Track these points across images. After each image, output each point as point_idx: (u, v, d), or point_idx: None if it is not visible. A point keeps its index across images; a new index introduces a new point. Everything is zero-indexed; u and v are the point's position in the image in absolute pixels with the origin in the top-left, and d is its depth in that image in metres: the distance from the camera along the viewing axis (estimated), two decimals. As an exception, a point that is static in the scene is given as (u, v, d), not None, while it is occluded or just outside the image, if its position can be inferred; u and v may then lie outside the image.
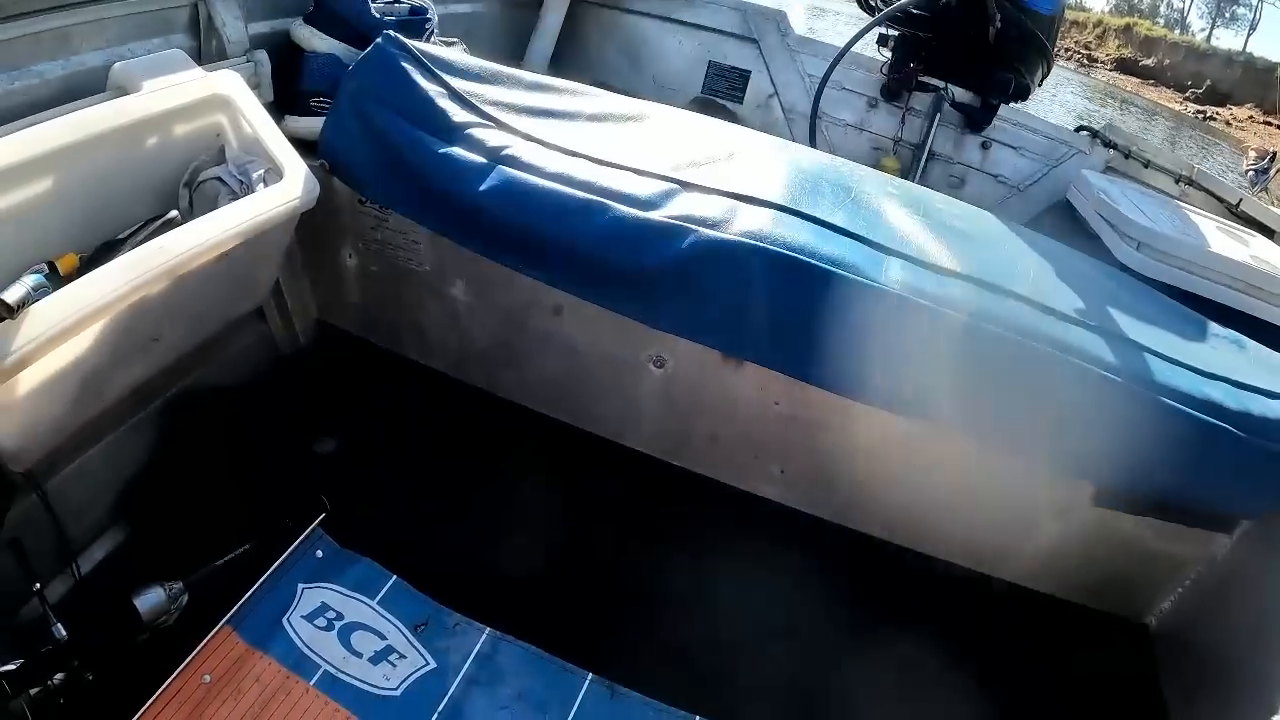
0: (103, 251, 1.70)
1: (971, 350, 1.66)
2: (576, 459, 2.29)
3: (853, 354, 1.68)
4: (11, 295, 1.41)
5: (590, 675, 1.88)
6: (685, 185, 1.81)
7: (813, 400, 1.89)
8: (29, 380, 1.53)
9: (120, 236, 1.75)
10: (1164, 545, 2.00)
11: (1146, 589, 2.11)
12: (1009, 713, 1.94)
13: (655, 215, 1.74)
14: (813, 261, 1.66)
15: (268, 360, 2.48)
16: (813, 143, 3.28)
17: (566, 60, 3.67)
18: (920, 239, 1.81)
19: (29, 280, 1.47)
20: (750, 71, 3.58)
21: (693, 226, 1.72)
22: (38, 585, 1.69)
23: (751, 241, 1.68)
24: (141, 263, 1.59)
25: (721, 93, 3.65)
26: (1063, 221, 3.04)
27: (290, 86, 2.29)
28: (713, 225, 1.72)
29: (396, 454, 2.39)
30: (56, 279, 1.55)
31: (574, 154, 1.87)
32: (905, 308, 1.64)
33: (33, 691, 1.57)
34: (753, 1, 3.60)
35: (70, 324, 1.49)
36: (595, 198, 1.76)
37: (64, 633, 1.65)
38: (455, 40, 2.49)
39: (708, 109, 3.44)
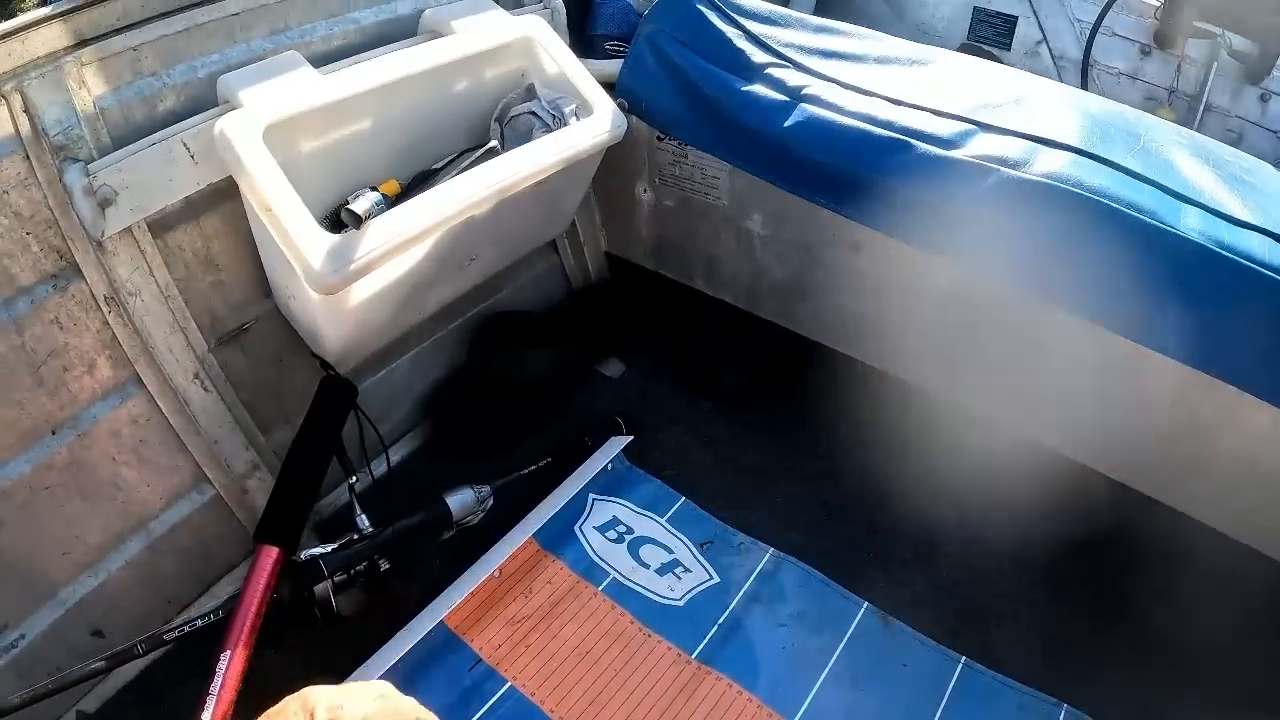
0: (420, 179, 1.90)
1: (1271, 307, 1.61)
2: (865, 394, 2.37)
3: (1151, 301, 1.68)
4: (359, 206, 1.63)
5: (866, 603, 1.98)
6: (983, 126, 1.83)
7: (1113, 347, 1.87)
8: (362, 290, 1.75)
9: (435, 166, 1.94)
10: None
11: None
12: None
13: (957, 154, 1.78)
14: (1114, 205, 1.66)
15: (559, 288, 2.73)
16: (1085, 90, 3.18)
17: (828, 6, 3.67)
18: (1214, 189, 1.77)
19: (370, 197, 1.68)
20: (1017, 17, 3.49)
21: (994, 166, 1.75)
22: (353, 479, 1.90)
23: (1053, 182, 1.70)
24: (473, 184, 1.78)
25: (988, 39, 3.58)
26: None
27: (583, 32, 2.47)
28: (1014, 165, 1.74)
29: (685, 382, 2.58)
30: (389, 202, 1.74)
31: (870, 94, 1.93)
32: (1204, 258, 1.62)
33: (337, 577, 1.78)
34: None
35: (409, 237, 1.69)
36: (897, 135, 1.82)
37: (368, 523, 1.87)
38: (735, -19, 2.60)
39: (972, 54, 3.40)
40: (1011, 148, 1.78)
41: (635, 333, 2.74)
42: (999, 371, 2.15)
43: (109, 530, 1.86)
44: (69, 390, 1.76)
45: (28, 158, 1.63)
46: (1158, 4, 3.15)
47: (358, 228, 1.61)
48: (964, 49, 3.55)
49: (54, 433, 1.75)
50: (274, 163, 1.61)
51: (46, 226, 1.67)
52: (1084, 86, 3.22)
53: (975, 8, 3.57)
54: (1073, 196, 1.68)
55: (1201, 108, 3.18)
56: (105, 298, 1.76)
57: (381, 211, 1.67)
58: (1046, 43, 3.45)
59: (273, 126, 1.67)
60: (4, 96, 1.58)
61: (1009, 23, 3.52)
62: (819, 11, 3.54)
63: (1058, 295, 1.79)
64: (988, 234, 1.78)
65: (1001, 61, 3.43)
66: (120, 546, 1.88)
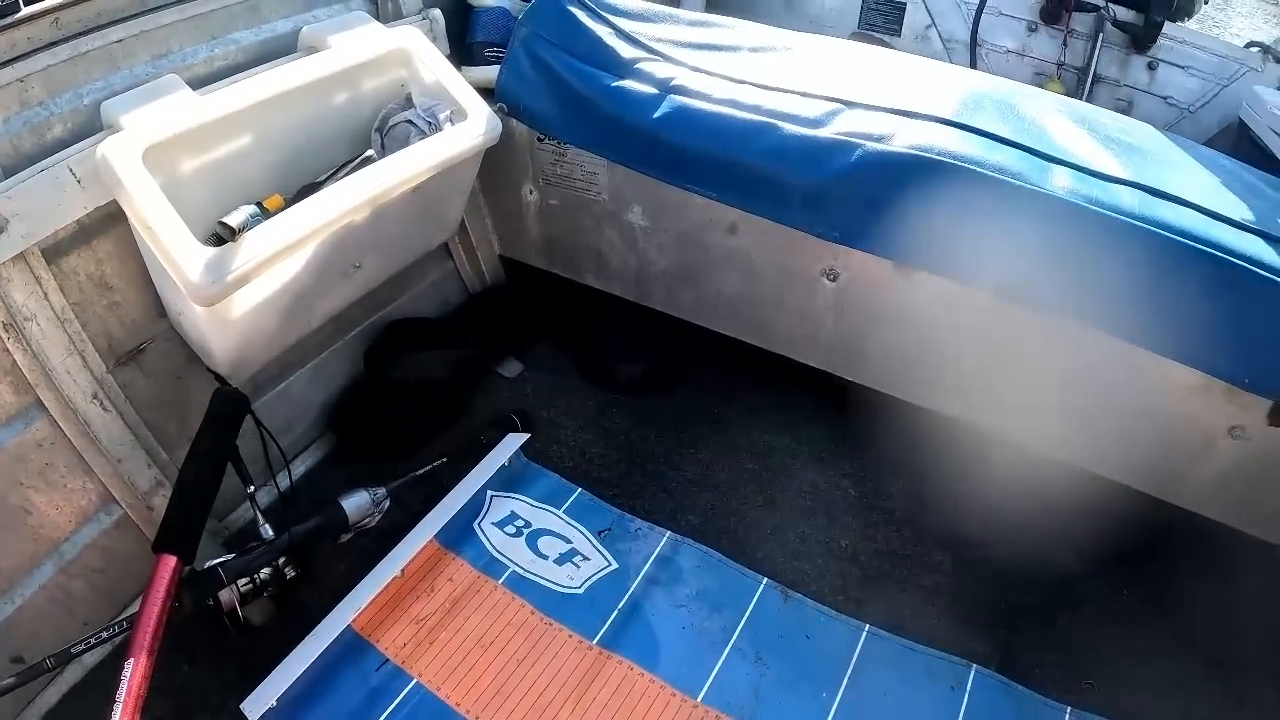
0: (304, 192, 1.98)
1: (1142, 256, 1.68)
2: (752, 374, 2.50)
3: (1020, 261, 1.76)
4: (233, 220, 1.74)
5: (765, 579, 2.07)
6: (849, 104, 1.93)
7: (982, 307, 1.96)
8: (245, 300, 1.83)
9: (319, 179, 2.02)
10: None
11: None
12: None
13: (823, 133, 1.88)
14: (979, 170, 1.74)
15: (455, 293, 2.84)
16: (974, 70, 3.26)
17: (722, 3, 3.76)
18: (1086, 149, 1.85)
19: (246, 210, 1.78)
20: (905, 3, 3.60)
21: (859, 141, 1.84)
22: (251, 489, 1.97)
23: (917, 153, 1.79)
24: (347, 192, 1.88)
25: (878, 26, 3.69)
26: (1237, 143, 2.98)
27: (463, 40, 2.56)
28: (879, 139, 1.84)
29: (580, 374, 2.71)
30: (265, 214, 1.84)
31: (739, 81, 2.03)
32: (1072, 214, 1.69)
33: (241, 584, 1.84)
34: None
35: (284, 246, 1.78)
36: (764, 119, 1.92)
37: (271, 532, 1.92)
38: (614, -15, 2.70)
39: (864, 41, 3.53)
40: (877, 123, 1.88)
41: (532, 332, 2.86)
42: (878, 341, 2.26)
43: (20, 555, 1.91)
44: None
45: None
46: None
47: (234, 240, 1.69)
48: (855, 38, 3.67)
49: None
50: (153, 183, 1.70)
51: None
52: (973, 66, 3.34)
53: None
54: (937, 165, 1.77)
55: (1089, 79, 3.31)
56: (3, 324, 1.81)
57: (257, 223, 1.76)
58: (935, 26, 3.57)
59: (153, 148, 1.75)
60: None
61: (898, 8, 3.63)
62: (710, 7, 3.67)
63: (928, 261, 1.88)
64: (856, 208, 1.88)
65: (893, 47, 3.54)
66: (33, 571, 1.93)
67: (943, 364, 2.16)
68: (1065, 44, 3.36)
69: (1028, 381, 2.06)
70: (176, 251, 1.68)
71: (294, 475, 2.25)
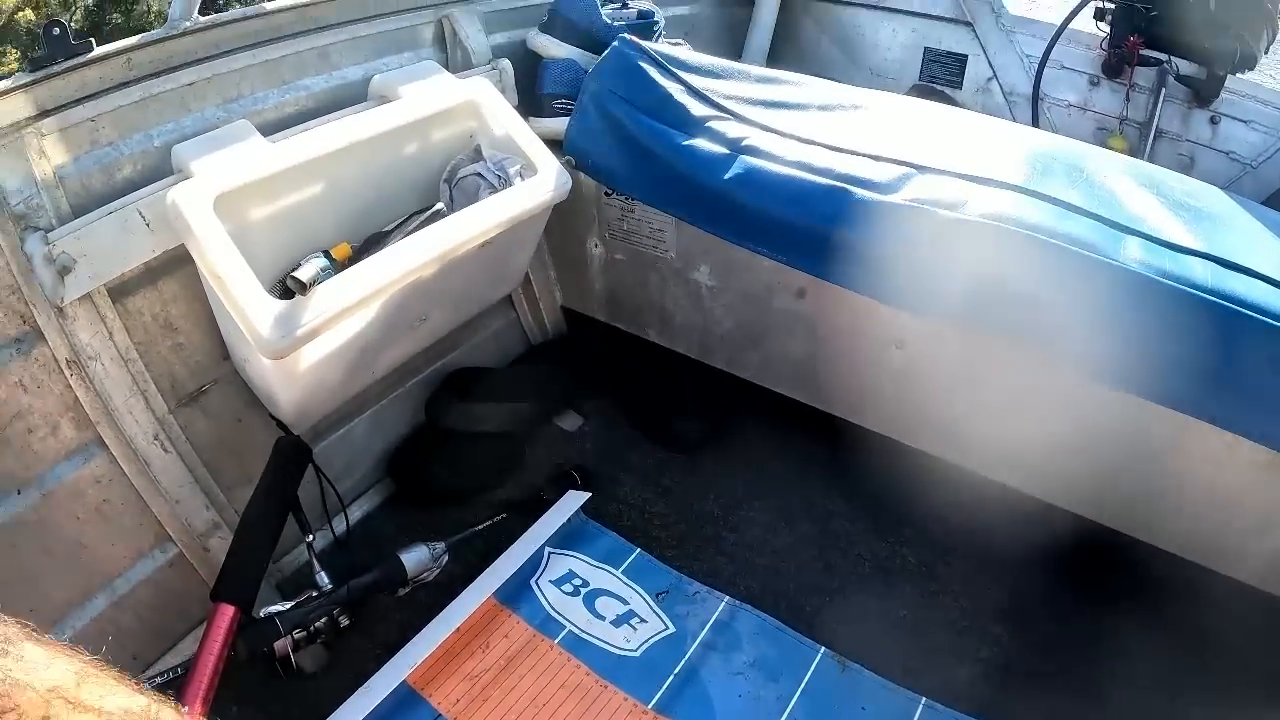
0: (371, 242, 1.97)
1: (1214, 331, 1.61)
2: (815, 439, 2.44)
3: (1090, 334, 1.69)
4: (304, 274, 1.70)
5: (823, 649, 2.02)
6: (920, 169, 1.88)
7: (1051, 379, 1.92)
8: (312, 353, 1.81)
9: (387, 229, 2.00)
10: None
11: None
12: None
13: (893, 198, 1.83)
14: (1051, 240, 1.68)
15: (517, 343, 2.83)
16: (1035, 125, 3.25)
17: (782, 55, 3.74)
18: (1156, 217, 1.80)
19: (316, 263, 1.76)
20: (967, 55, 3.55)
21: (930, 208, 1.79)
22: (310, 538, 1.96)
23: (989, 221, 1.74)
24: (418, 247, 1.86)
25: (940, 79, 3.63)
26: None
27: (531, 91, 2.55)
28: (950, 207, 1.78)
29: (641, 433, 2.65)
30: (334, 264, 1.82)
31: (809, 142, 1.99)
32: (1144, 287, 1.63)
33: (296, 634, 1.83)
34: None
35: (355, 301, 1.76)
36: (835, 183, 1.87)
37: (327, 580, 1.92)
38: (680, 41, 2.69)
39: (927, 96, 3.39)
40: (948, 189, 1.82)
41: (592, 386, 2.81)
42: (943, 410, 2.20)
43: (74, 587, 1.90)
44: (33, 451, 1.82)
45: None
46: (1104, 35, 3.20)
47: (304, 294, 1.67)
48: (917, 89, 3.62)
49: (19, 492, 1.79)
50: (223, 231, 1.68)
51: (10, 292, 1.74)
52: (1035, 121, 3.28)
53: (926, 48, 3.64)
54: (1010, 234, 1.72)
55: (1152, 134, 3.23)
56: (67, 361, 1.82)
57: (328, 277, 1.74)
58: (997, 79, 3.50)
59: (223, 195, 1.74)
60: None
61: (959, 61, 3.58)
62: (771, 60, 3.66)
63: (999, 332, 1.83)
64: (927, 276, 1.82)
65: (954, 100, 3.51)
66: (85, 604, 1.91)
67: (1011, 435, 2.07)
68: (1128, 98, 3.27)
69: (1093, 454, 2.00)
70: (246, 303, 1.66)
71: (350, 520, 2.23)
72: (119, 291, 1.90)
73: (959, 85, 3.61)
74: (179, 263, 1.94)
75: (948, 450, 2.24)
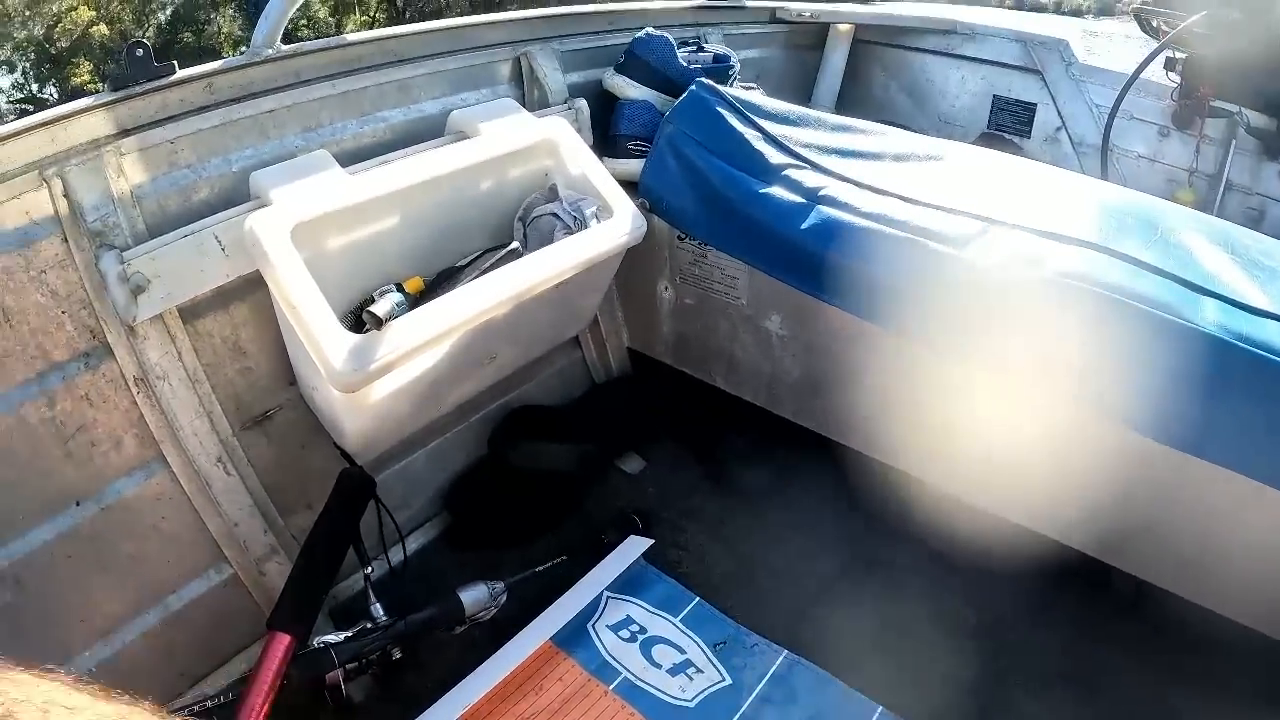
0: (444, 277, 1.95)
1: None
2: (881, 493, 2.37)
3: (1171, 397, 1.64)
4: (380, 308, 1.68)
5: (880, 707, 1.95)
6: (995, 223, 1.84)
7: (1130, 449, 1.83)
8: (381, 386, 1.78)
9: (460, 264, 1.98)
10: None
11: None
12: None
13: (969, 253, 1.80)
14: (1129, 301, 1.63)
15: (581, 382, 2.79)
16: (1104, 176, 3.15)
17: (851, 100, 3.72)
18: (1232, 277, 1.74)
19: (392, 298, 1.74)
20: (1036, 104, 3.48)
21: (1007, 264, 1.75)
22: (368, 569, 1.93)
23: (1066, 279, 1.69)
24: (493, 286, 1.83)
25: (1008, 128, 3.57)
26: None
27: (606, 131, 2.53)
28: (1026, 263, 1.74)
29: (704, 478, 2.60)
30: (407, 299, 1.80)
31: (886, 193, 1.95)
32: (1222, 351, 1.58)
33: (348, 666, 1.79)
34: (1034, 32, 3.49)
35: (429, 338, 1.73)
36: (911, 236, 1.84)
37: (382, 612, 1.88)
38: (753, 85, 2.67)
39: (994, 145, 3.36)
40: (1024, 245, 1.78)
41: (655, 429, 2.76)
42: (1015, 472, 2.09)
43: (126, 602, 1.89)
44: (95, 465, 1.81)
45: (65, 240, 1.72)
46: (1175, 85, 3.13)
47: (378, 329, 1.65)
48: (985, 138, 3.56)
49: (78, 504, 1.79)
50: (300, 261, 1.67)
51: (81, 306, 1.75)
52: (1104, 172, 3.19)
53: (994, 96, 3.57)
54: (1086, 293, 1.67)
55: (1222, 186, 3.13)
56: (135, 378, 1.82)
57: (402, 312, 1.72)
58: (1066, 129, 3.43)
59: (301, 225, 1.73)
60: (46, 180, 1.68)
61: (1028, 110, 3.51)
62: (840, 106, 3.63)
63: (1073, 393, 1.77)
64: (1003, 333, 1.78)
65: (1022, 150, 3.45)
66: (137, 618, 1.90)
67: (1083, 498, 2.05)
68: (1198, 150, 3.16)
69: (1165, 518, 1.96)
70: (320, 335, 1.64)
71: (408, 550, 2.19)
72: (190, 312, 1.90)
73: (1027, 134, 3.54)
74: (251, 287, 1.94)
75: (1016, 512, 2.19)
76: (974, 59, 3.59)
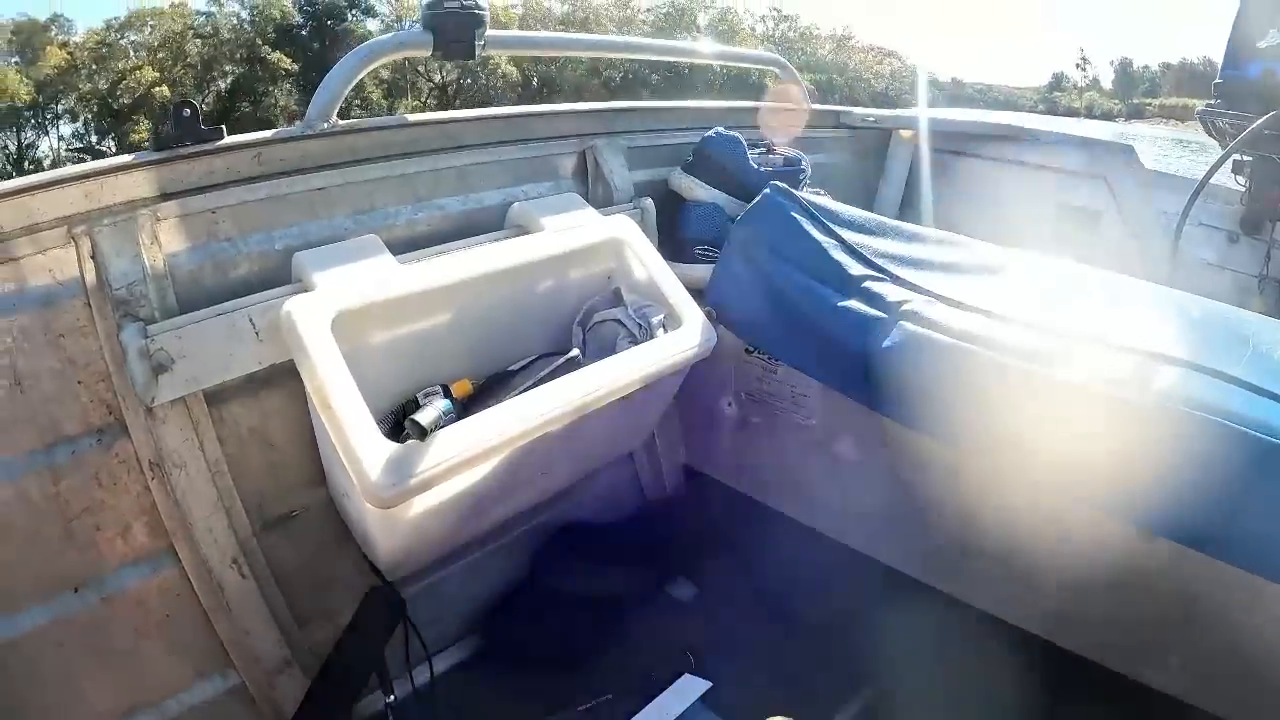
0: (495, 381, 1.76)
1: None
2: (962, 634, 2.12)
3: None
4: (425, 417, 1.44)
5: None
6: (1088, 341, 1.65)
7: (1230, 580, 1.59)
8: (421, 502, 1.55)
9: (513, 368, 1.79)
10: None
11: None
12: None
13: (1062, 375, 1.60)
14: (1238, 426, 1.44)
15: (632, 500, 2.53)
16: (1173, 284, 2.98)
17: (914, 206, 3.56)
18: None
19: (438, 404, 1.50)
20: (1101, 210, 3.29)
21: (1103, 387, 1.56)
22: (391, 698, 1.73)
23: (1169, 405, 1.50)
24: (552, 399, 1.60)
25: (1073, 235, 3.33)
26: None
27: (671, 233, 2.34)
28: (1123, 385, 1.56)
29: (764, 611, 2.32)
30: (455, 404, 1.57)
31: (970, 308, 1.78)
32: None
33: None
34: (1099, 138, 3.35)
35: (477, 453, 1.49)
36: (1002, 358, 1.66)
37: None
38: (820, 190, 2.50)
39: (1060, 252, 3.22)
40: (1119, 366, 1.60)
41: (710, 554, 2.48)
42: (1102, 612, 1.92)
43: (119, 700, 1.66)
44: (98, 550, 1.60)
45: (89, 305, 1.54)
46: (1243, 189, 2.97)
47: (421, 440, 1.41)
48: (1050, 245, 3.34)
49: (76, 590, 1.58)
50: (339, 357, 1.45)
51: (99, 379, 1.56)
52: (1172, 279, 3.00)
53: (1059, 203, 3.39)
54: (1190, 419, 1.48)
55: None
56: (150, 462, 1.61)
57: (449, 421, 1.48)
58: (1132, 236, 3.23)
59: (343, 314, 1.52)
60: (74, 238, 1.51)
61: (1093, 217, 3.32)
62: (903, 212, 3.48)
63: (1177, 533, 1.55)
64: (1102, 462, 1.57)
65: (1088, 258, 3.25)
66: (127, 719, 1.67)
67: (1176, 639, 1.83)
68: (1268, 256, 2.99)
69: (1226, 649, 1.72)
70: (357, 443, 1.40)
71: (435, 673, 1.94)
72: (215, 396, 1.68)
73: (1093, 242, 3.33)
74: (285, 374, 1.70)
75: (1103, 651, 1.95)
76: (1038, 166, 3.41)
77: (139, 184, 1.58)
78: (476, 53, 1.93)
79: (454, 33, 1.88)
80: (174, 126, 1.61)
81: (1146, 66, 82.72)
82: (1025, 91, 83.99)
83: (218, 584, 1.70)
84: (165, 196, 1.62)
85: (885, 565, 2.19)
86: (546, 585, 2.18)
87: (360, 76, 1.91)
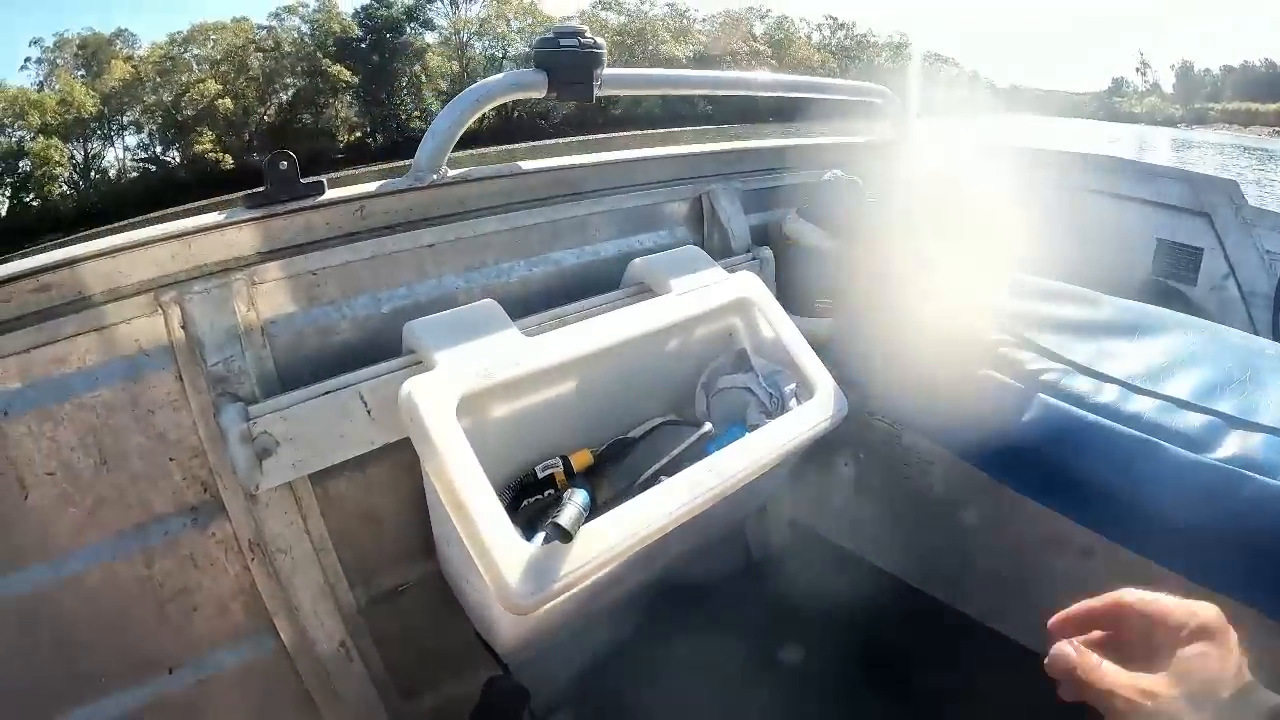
0: (615, 449, 1.64)
1: None
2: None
3: None
4: (567, 518, 1.28)
5: None
6: (1228, 419, 1.49)
7: None
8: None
9: (633, 435, 1.68)
10: None
11: None
12: None
13: (1207, 458, 1.44)
14: None
15: (738, 560, 2.39)
16: (1275, 332, 2.83)
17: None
18: None
19: (578, 500, 1.33)
20: (1202, 249, 3.10)
21: (1249, 473, 1.40)
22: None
23: None
24: (692, 485, 1.46)
25: (1173, 274, 3.20)
26: None
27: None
28: (1270, 471, 1.38)
29: (877, 683, 2.15)
30: (573, 478, 1.51)
31: (1107, 378, 1.63)
32: None
33: None
34: (1202, 172, 3.16)
35: (623, 548, 1.35)
36: (1142, 434, 1.51)
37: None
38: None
39: (1159, 292, 3.09)
40: (1264, 448, 1.43)
41: (820, 616, 2.33)
42: None
43: None
44: (194, 631, 1.49)
45: (180, 379, 1.41)
46: None
47: (565, 543, 1.27)
48: (1148, 283, 3.21)
49: (171, 671, 1.47)
50: (467, 446, 1.30)
51: (192, 455, 1.44)
52: (1274, 323, 2.86)
53: (1158, 239, 3.20)
54: None
55: None
56: (250, 543, 1.49)
57: (586, 516, 1.33)
58: (1234, 276, 3.04)
59: (468, 396, 1.38)
60: (162, 306, 1.38)
61: (1194, 255, 3.13)
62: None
63: None
64: (1248, 558, 1.42)
65: (1188, 297, 3.10)
66: None
67: None
68: None
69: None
70: (492, 544, 1.24)
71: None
72: (321, 474, 1.54)
73: (1193, 281, 3.15)
74: (394, 447, 1.55)
75: None
76: (1137, 199, 3.24)
77: (232, 245, 1.45)
78: (594, 93, 1.75)
79: (570, 73, 1.70)
80: (270, 182, 1.47)
81: (1208, 70, 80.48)
82: (1085, 97, 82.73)
83: (323, 663, 1.60)
84: (262, 258, 1.48)
85: (1013, 640, 2.06)
86: (655, 654, 2.05)
87: (470, 122, 1.76)
